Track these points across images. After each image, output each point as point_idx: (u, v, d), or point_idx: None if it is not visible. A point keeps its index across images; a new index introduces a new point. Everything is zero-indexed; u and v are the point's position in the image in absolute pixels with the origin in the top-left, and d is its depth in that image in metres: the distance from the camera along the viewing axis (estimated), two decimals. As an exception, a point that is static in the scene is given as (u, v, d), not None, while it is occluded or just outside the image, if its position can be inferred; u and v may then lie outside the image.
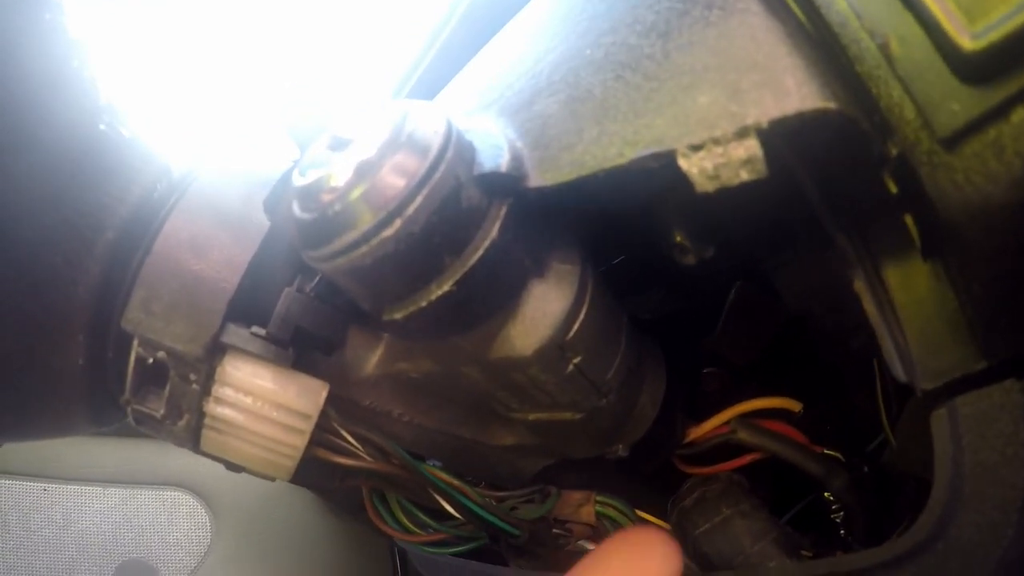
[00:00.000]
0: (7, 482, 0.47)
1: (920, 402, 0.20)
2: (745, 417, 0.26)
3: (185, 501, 0.48)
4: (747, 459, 0.26)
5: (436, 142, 0.16)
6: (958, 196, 0.15)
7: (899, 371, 0.19)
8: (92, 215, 0.21)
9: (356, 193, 0.16)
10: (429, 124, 0.16)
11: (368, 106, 0.18)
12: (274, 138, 0.23)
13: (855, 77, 0.16)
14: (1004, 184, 0.14)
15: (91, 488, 0.47)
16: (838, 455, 0.26)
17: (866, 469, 0.26)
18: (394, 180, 0.16)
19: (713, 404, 0.28)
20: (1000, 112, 0.14)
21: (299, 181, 0.17)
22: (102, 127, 0.21)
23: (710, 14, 0.16)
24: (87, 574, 0.48)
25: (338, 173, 0.16)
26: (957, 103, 0.14)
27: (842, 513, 0.26)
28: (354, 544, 0.49)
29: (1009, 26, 0.13)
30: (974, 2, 0.14)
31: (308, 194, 0.17)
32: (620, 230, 0.21)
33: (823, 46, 0.16)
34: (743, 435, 0.25)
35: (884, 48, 0.15)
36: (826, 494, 0.27)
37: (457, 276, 0.16)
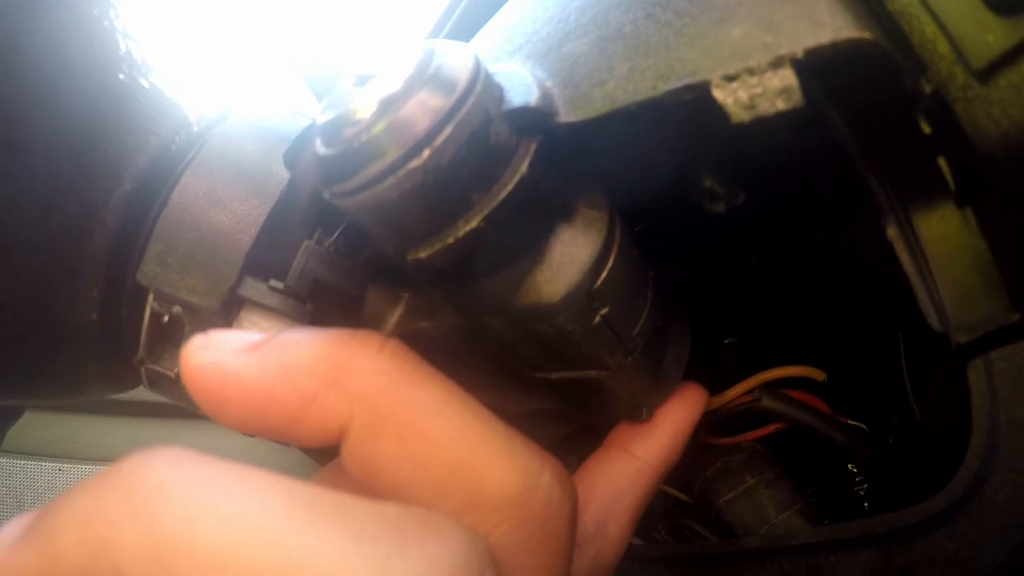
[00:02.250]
0: (22, 462, 0.47)
1: (956, 357, 0.19)
2: (769, 386, 0.26)
3: None
4: (771, 428, 0.26)
5: (464, 76, 0.16)
6: (995, 129, 0.15)
7: (935, 322, 0.19)
8: (109, 165, 0.21)
9: (382, 125, 0.16)
10: (456, 60, 0.16)
11: (392, 43, 0.18)
12: (294, 93, 0.23)
13: (887, 16, 0.16)
14: (1042, 116, 0.14)
15: (105, 467, 0.47)
16: (862, 426, 0.26)
17: (891, 440, 0.26)
18: (422, 112, 0.15)
19: (732, 375, 0.27)
20: (1035, 42, 0.14)
21: (321, 118, 0.17)
22: (121, 76, 0.21)
23: (742, -52, 0.16)
24: None
25: (362, 107, 0.16)
26: (991, 35, 0.15)
27: (866, 485, 0.26)
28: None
29: None
30: None
31: (332, 129, 0.17)
32: (644, 185, 0.21)
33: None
34: (767, 403, 0.25)
35: (916, -17, 0.15)
36: (850, 466, 0.27)
37: (485, 212, 0.16)
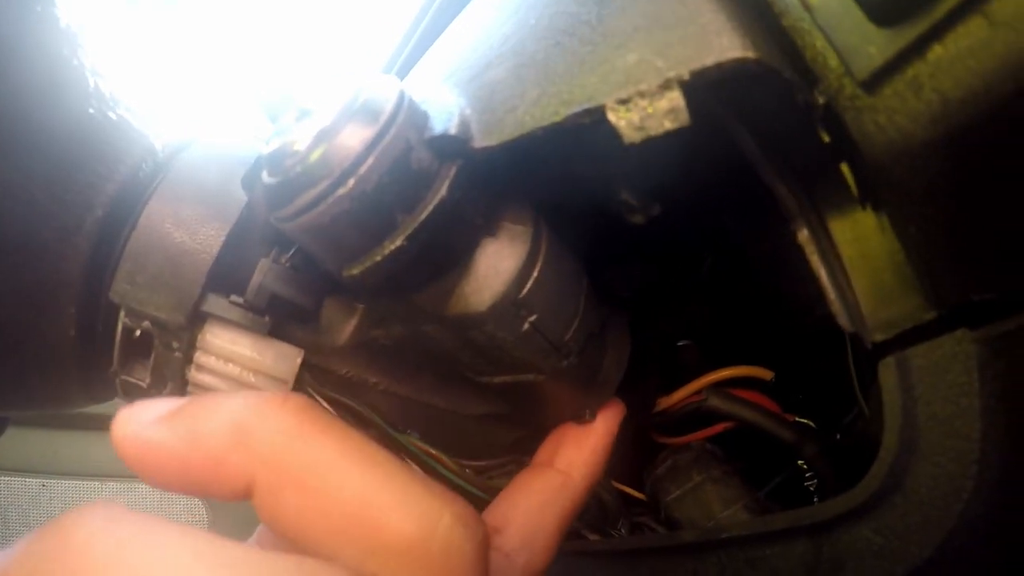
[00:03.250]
0: (6, 478, 0.49)
1: (872, 356, 0.20)
2: (718, 386, 0.27)
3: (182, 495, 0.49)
4: (720, 427, 0.27)
5: (387, 108, 0.17)
6: (882, 137, 0.16)
7: (846, 322, 0.20)
8: (81, 193, 0.23)
9: (315, 156, 0.17)
10: (382, 93, 0.18)
11: (328, 78, 0.19)
12: (253, 120, 0.25)
13: (782, 31, 0.17)
14: (924, 121, 0.15)
15: (88, 482, 0.49)
16: (810, 423, 0.27)
17: (839, 437, 0.27)
18: (349, 143, 0.17)
19: (689, 376, 0.28)
20: (916, 50, 0.15)
21: (266, 149, 0.19)
22: (91, 111, 0.23)
23: (642, -21, 0.17)
24: None
25: (300, 139, 0.18)
26: (873, 46, 0.15)
27: (815, 481, 0.27)
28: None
29: None
30: None
31: (274, 160, 0.18)
32: (576, 200, 0.22)
33: (750, 3, 0.17)
34: (715, 403, 0.26)
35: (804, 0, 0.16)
36: (800, 462, 0.28)
37: (408, 231, 0.17)
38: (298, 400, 0.16)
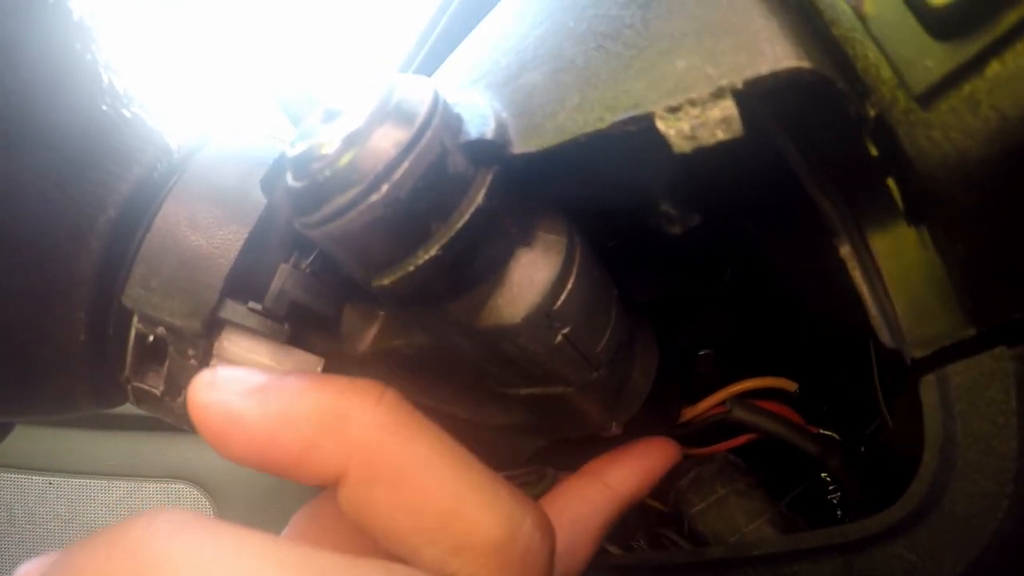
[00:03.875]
0: (12, 476, 0.49)
1: (911, 372, 0.20)
2: (741, 397, 0.26)
3: (189, 494, 0.49)
4: (743, 439, 0.26)
5: (422, 111, 0.17)
6: (936, 153, 0.16)
7: (887, 339, 0.19)
8: (94, 193, 0.22)
9: (345, 160, 0.16)
10: (416, 94, 0.17)
11: (356, 78, 0.19)
12: (271, 119, 0.24)
13: (833, 40, 0.17)
14: (980, 138, 0.15)
15: (96, 481, 0.48)
16: (834, 435, 0.26)
17: (863, 449, 0.27)
18: (381, 147, 0.16)
19: (707, 386, 0.28)
20: (974, 66, 0.15)
21: (291, 152, 0.18)
22: (104, 108, 0.22)
23: (689, -17, 0.17)
24: None
25: (328, 142, 0.17)
26: (931, 59, 0.15)
27: (839, 494, 0.27)
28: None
29: None
30: None
31: (300, 163, 0.17)
32: (609, 207, 0.22)
33: (800, 11, 0.16)
34: (739, 414, 0.26)
35: (857, 9, 0.16)
36: (823, 474, 0.27)
37: (444, 240, 0.17)
38: (395, 395, 0.16)
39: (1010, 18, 0.14)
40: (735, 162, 0.18)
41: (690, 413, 0.27)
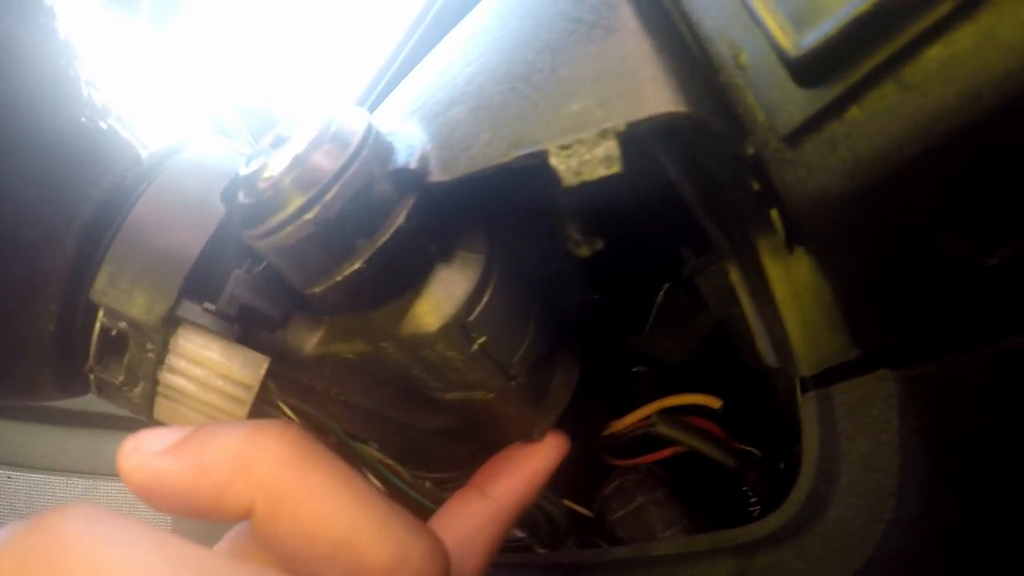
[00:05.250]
0: None
1: (800, 391, 0.22)
2: (667, 412, 0.29)
3: None
4: (668, 452, 0.29)
5: (355, 140, 0.20)
6: (801, 189, 0.18)
7: (771, 359, 0.22)
8: (70, 197, 0.25)
9: (286, 181, 0.19)
10: (351, 125, 0.20)
11: (306, 108, 0.21)
12: (235, 134, 0.27)
13: (719, 85, 0.19)
14: (839, 176, 0.17)
15: (55, 477, 0.50)
16: (755, 451, 0.28)
17: (782, 466, 0.29)
18: (316, 171, 0.19)
19: (642, 402, 0.30)
20: (833, 110, 0.17)
21: (243, 171, 0.21)
22: (83, 120, 0.25)
23: (593, 33, 0.19)
24: None
25: (274, 164, 0.20)
26: (794, 104, 0.17)
27: (759, 507, 0.29)
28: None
29: (831, 31, 0.16)
30: (804, 11, 0.17)
31: (248, 182, 0.20)
32: (530, 228, 0.24)
33: (692, 59, 0.19)
34: (662, 428, 0.28)
35: (736, 58, 0.18)
36: (744, 488, 0.29)
37: (366, 256, 0.19)
38: (294, 432, 0.18)
39: (865, 66, 0.16)
40: (630, 193, 0.21)
41: (617, 426, 0.29)
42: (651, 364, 0.31)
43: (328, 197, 0.19)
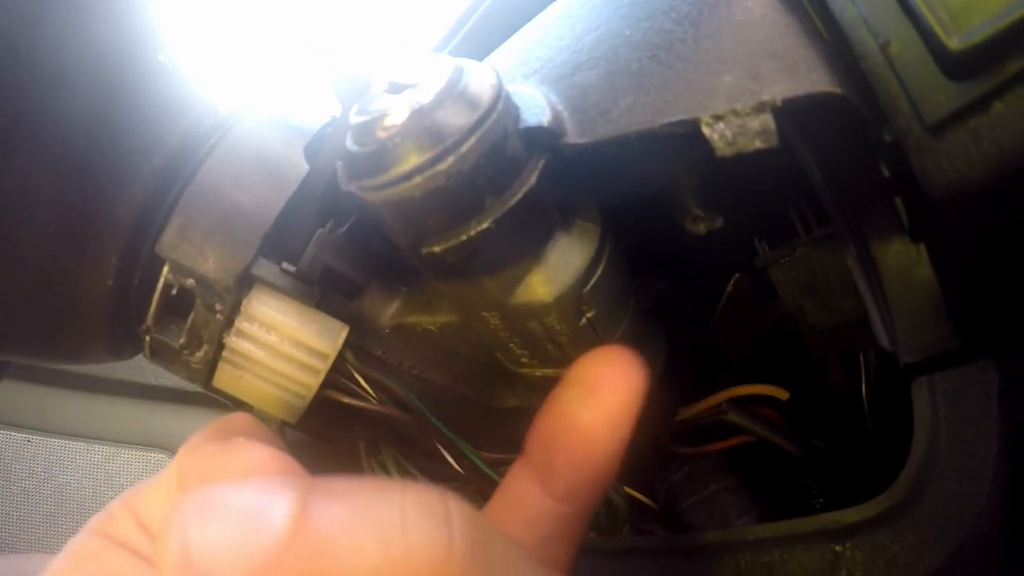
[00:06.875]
0: None
1: (903, 376, 0.23)
2: (735, 401, 0.29)
3: (167, 463, 0.49)
4: (735, 441, 0.29)
5: (488, 95, 0.19)
6: (942, 178, 0.19)
7: (885, 343, 0.22)
8: (142, 139, 0.24)
9: (414, 130, 0.19)
10: (483, 79, 0.20)
11: (423, 57, 0.21)
12: (315, 92, 0.26)
13: (859, 72, 0.20)
14: (981, 168, 0.18)
15: (75, 443, 0.49)
16: (820, 444, 0.29)
17: (847, 459, 0.30)
18: (451, 122, 0.19)
19: (704, 390, 0.31)
20: (980, 105, 0.18)
21: (356, 119, 0.20)
22: (161, 58, 0.24)
23: (737, 10, 0.20)
24: (63, 529, 0.49)
25: (395, 113, 0.19)
26: (944, 96, 0.18)
27: (821, 500, 0.30)
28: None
29: (989, 31, 0.17)
30: (960, 10, 0.18)
31: (365, 129, 0.20)
32: (636, 205, 0.25)
33: (832, 43, 0.20)
34: (733, 417, 0.28)
35: (885, 48, 0.19)
36: (808, 480, 0.30)
37: (496, 215, 0.19)
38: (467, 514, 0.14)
39: (1014, 66, 0.17)
40: (763, 170, 0.21)
41: (687, 412, 0.29)
42: (716, 353, 0.32)
43: (463, 149, 0.18)
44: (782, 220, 0.28)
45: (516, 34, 0.26)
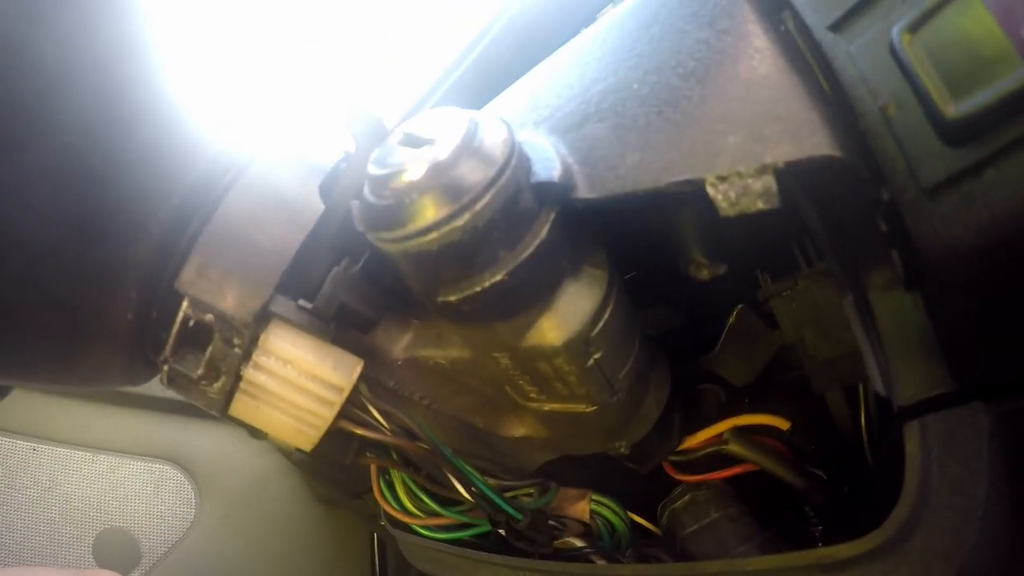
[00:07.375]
0: None
1: (897, 419, 0.24)
2: (738, 431, 0.30)
3: (172, 475, 0.50)
4: (737, 470, 0.30)
5: (502, 150, 0.20)
6: (935, 238, 0.20)
7: (879, 386, 0.23)
8: (161, 180, 0.24)
9: (431, 187, 0.20)
10: (496, 134, 0.21)
11: (438, 111, 0.22)
12: (327, 130, 0.27)
13: (858, 131, 0.20)
14: (973, 230, 0.19)
15: (80, 452, 0.50)
16: (820, 473, 0.30)
17: (846, 489, 0.31)
18: (466, 179, 0.20)
19: (707, 419, 0.32)
20: (974, 170, 0.19)
21: (374, 171, 0.21)
22: (176, 98, 0.25)
23: (743, 68, 0.20)
24: (67, 538, 0.50)
25: (413, 168, 0.20)
26: (939, 160, 0.19)
27: (820, 528, 0.31)
28: (335, 532, 0.52)
29: (985, 101, 0.18)
30: (959, 79, 0.18)
31: (383, 183, 0.20)
32: (642, 248, 0.26)
33: (834, 103, 0.20)
34: (735, 446, 0.29)
35: (884, 110, 0.20)
36: (807, 509, 0.31)
37: (509, 267, 0.20)
38: None
39: (1007, 135, 0.18)
40: (766, 225, 0.22)
41: (690, 442, 0.30)
42: (717, 383, 0.32)
43: (479, 205, 0.19)
44: (784, 252, 0.29)
45: (525, 76, 0.27)
